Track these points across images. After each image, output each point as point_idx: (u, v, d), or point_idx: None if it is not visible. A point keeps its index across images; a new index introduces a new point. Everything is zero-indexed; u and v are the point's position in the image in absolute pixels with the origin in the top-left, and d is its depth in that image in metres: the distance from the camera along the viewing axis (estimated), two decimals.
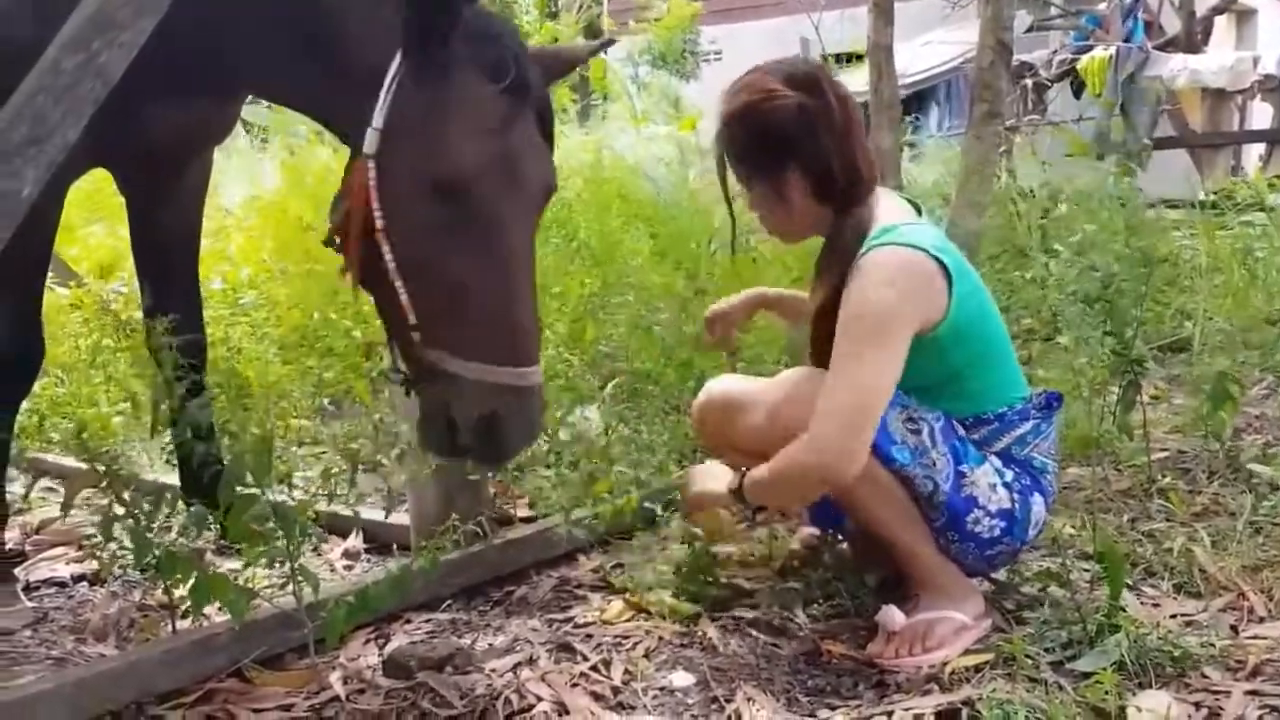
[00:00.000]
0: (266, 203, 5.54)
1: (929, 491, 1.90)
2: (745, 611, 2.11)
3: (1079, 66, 9.85)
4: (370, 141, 1.77)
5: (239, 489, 1.82)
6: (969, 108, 6.57)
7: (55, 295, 4.03)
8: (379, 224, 1.77)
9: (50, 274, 4.15)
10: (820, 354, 1.93)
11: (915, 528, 1.94)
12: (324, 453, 3.22)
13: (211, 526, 2.26)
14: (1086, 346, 3.12)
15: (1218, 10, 12.13)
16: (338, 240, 1.89)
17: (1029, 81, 9.95)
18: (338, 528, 2.58)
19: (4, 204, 1.63)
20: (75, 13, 1.71)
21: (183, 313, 2.33)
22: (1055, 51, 10.47)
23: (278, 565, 1.90)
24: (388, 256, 1.78)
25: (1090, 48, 10.09)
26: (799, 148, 1.91)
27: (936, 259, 1.88)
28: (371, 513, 2.58)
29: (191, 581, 1.80)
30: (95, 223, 5.44)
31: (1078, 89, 10.06)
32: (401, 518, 2.50)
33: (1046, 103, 10.33)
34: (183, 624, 1.95)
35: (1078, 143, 7.33)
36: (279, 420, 3.41)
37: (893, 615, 1.92)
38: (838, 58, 10.23)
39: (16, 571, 2.31)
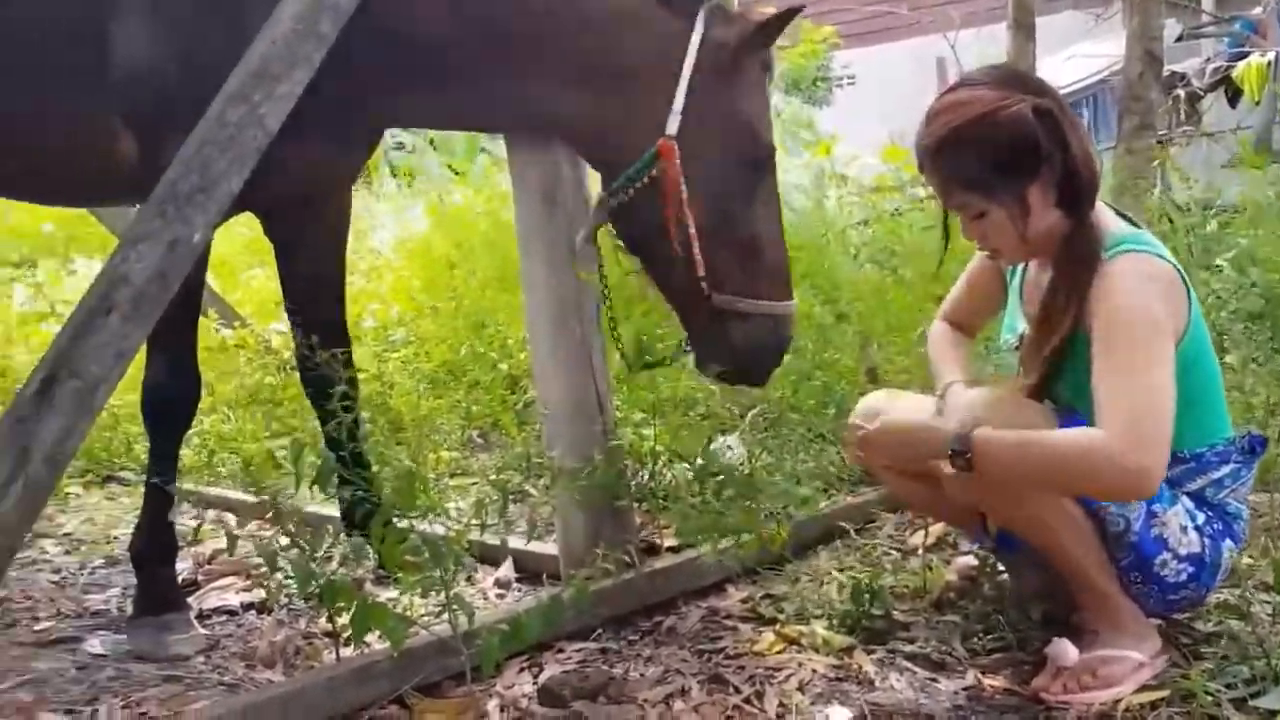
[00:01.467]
0: (414, 243, 5.73)
1: (1119, 530, 1.81)
2: (902, 644, 2.05)
3: (1234, 74, 9.40)
4: (673, 124, 2.06)
5: (393, 520, 1.87)
6: (1117, 122, 6.33)
7: (220, 336, 4.24)
8: (683, 196, 2.06)
9: (216, 316, 4.40)
10: (1036, 365, 1.86)
11: (1100, 564, 1.85)
12: (473, 483, 3.29)
13: (370, 556, 2.35)
14: (1256, 367, 2.95)
15: None
16: (615, 226, 2.22)
17: (1181, 92, 9.54)
18: (488, 557, 2.62)
19: (177, 250, 1.72)
20: (237, 68, 1.81)
21: (329, 348, 2.42)
22: (1208, 60, 10.03)
23: (433, 594, 1.94)
24: (690, 224, 2.07)
25: (1246, 54, 9.63)
26: (1044, 153, 1.78)
27: (1178, 271, 1.81)
28: (521, 542, 2.61)
29: (352, 610, 1.85)
30: (257, 267, 5.72)
31: (1233, 97, 9.60)
32: (549, 547, 2.53)
33: (1200, 113, 9.89)
34: (345, 651, 2.01)
35: (1248, 149, 6.98)
36: (430, 452, 3.50)
37: (1065, 649, 1.84)
38: None
39: (189, 600, 2.42)
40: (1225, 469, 1.88)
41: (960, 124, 1.81)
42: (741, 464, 2.70)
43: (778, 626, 2.15)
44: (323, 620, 2.15)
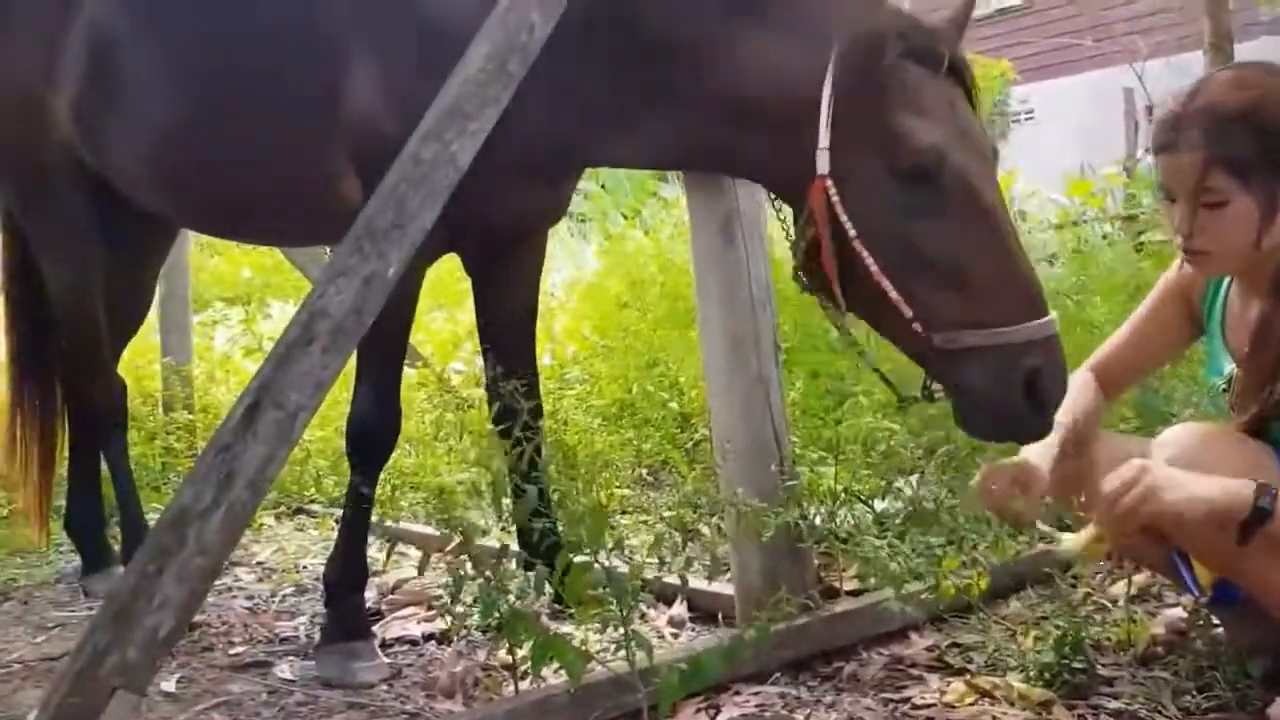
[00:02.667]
0: (587, 284, 5.82)
1: None
2: (1106, 700, 1.92)
3: None
4: (822, 161, 1.89)
5: (576, 554, 1.87)
6: None
7: (405, 374, 4.38)
8: (852, 233, 1.87)
9: None
10: (1251, 403, 1.74)
11: None
12: (643, 521, 3.28)
13: (546, 590, 2.36)
14: None
15: None
16: (807, 278, 2.01)
17: None
18: (662, 595, 2.59)
19: (373, 284, 1.78)
20: (431, 107, 1.87)
21: (525, 383, 2.47)
22: None
23: (610, 630, 1.92)
24: (868, 261, 1.87)
25: None
26: None
27: None
28: (696, 581, 2.58)
29: (532, 642, 1.85)
30: (436, 309, 5.92)
31: None
32: (725, 587, 2.48)
33: None
34: (523, 685, 2.01)
35: None
36: (604, 488, 3.51)
37: None
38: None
39: (374, 629, 2.48)
40: None
41: (1252, 101, 1.70)
42: (926, 504, 2.61)
43: (968, 677, 2.04)
44: (502, 653, 2.16)
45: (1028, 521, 1.80)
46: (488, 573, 1.90)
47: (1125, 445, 1.99)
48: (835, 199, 1.89)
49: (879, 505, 2.64)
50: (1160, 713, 1.86)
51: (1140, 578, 2.36)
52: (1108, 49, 12.61)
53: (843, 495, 2.60)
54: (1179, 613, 2.15)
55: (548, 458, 2.81)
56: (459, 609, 2.03)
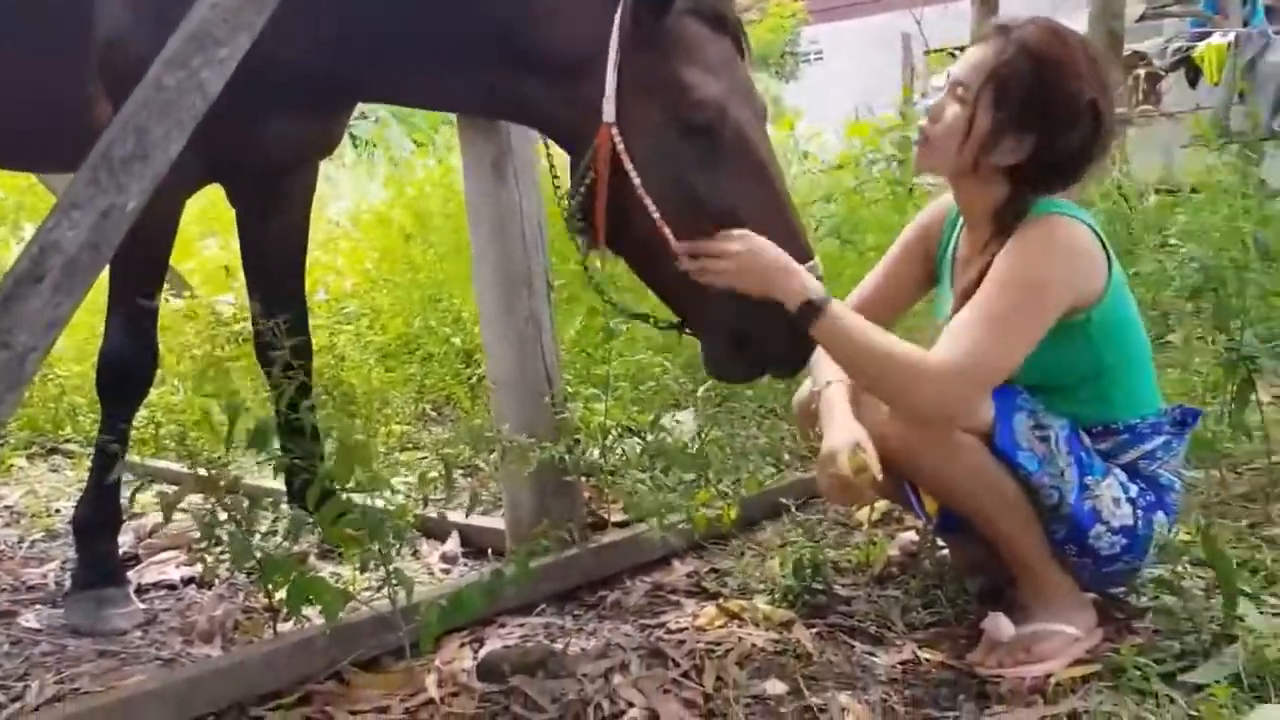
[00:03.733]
0: (371, 215, 5.68)
1: (1054, 503, 1.83)
2: (841, 619, 2.07)
3: (1195, 54, 9.48)
4: (608, 109, 1.89)
5: (331, 493, 1.86)
6: None
7: (170, 306, 4.18)
8: (636, 181, 1.89)
9: (166, 286, 4.33)
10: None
11: (1034, 537, 1.87)
12: (424, 458, 3.27)
13: (316, 531, 2.33)
14: (1199, 344, 2.99)
15: None
16: (581, 222, 2.00)
17: (1141, 72, 9.62)
18: (437, 532, 2.61)
19: (111, 217, 1.69)
20: (176, 32, 1.77)
21: (289, 320, 2.41)
22: (1169, 40, 10.10)
23: (375, 569, 1.93)
24: (651, 208, 1.89)
25: (1207, 34, 9.71)
26: (1056, 131, 1.81)
27: (1099, 238, 1.84)
28: (467, 517, 2.61)
29: (289, 584, 1.84)
30: (209, 237, 5.65)
31: (1193, 78, 9.69)
32: (497, 521, 2.52)
33: (1160, 93, 9.97)
34: (284, 627, 2.00)
35: (1206, 131, 7.04)
36: (381, 425, 3.48)
37: (1001, 624, 1.86)
38: (940, 53, 10.04)
39: (129, 574, 2.39)
40: (1157, 440, 1.91)
41: (1054, 55, 1.80)
42: (692, 439, 2.71)
43: (720, 601, 2.16)
44: (263, 595, 2.13)
45: (857, 491, 1.89)
46: (238, 515, 1.86)
47: None
48: (620, 147, 1.90)
49: (649, 439, 2.72)
50: (889, 628, 2.01)
51: (881, 504, 2.53)
52: None
53: (613, 430, 2.66)
54: (912, 535, 2.33)
55: (318, 395, 2.76)
56: (215, 552, 1.98)
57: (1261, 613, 1.92)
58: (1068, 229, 1.82)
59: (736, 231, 1.83)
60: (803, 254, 1.89)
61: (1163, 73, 9.82)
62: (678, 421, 2.79)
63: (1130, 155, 6.86)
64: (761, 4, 14.71)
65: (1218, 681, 1.63)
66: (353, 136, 8.52)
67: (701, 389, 2.94)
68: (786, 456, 2.99)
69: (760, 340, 1.91)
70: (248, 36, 1.82)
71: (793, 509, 2.47)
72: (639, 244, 1.97)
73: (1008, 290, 1.77)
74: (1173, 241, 4.11)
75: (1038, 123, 1.81)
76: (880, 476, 1.82)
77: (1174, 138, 7.63)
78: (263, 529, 2.08)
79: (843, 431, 1.86)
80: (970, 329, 1.75)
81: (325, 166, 4.14)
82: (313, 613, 1.94)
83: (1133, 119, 8.67)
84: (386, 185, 6.15)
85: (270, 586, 1.93)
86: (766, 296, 1.81)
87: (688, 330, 2.06)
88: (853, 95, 9.10)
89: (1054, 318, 1.78)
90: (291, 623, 1.95)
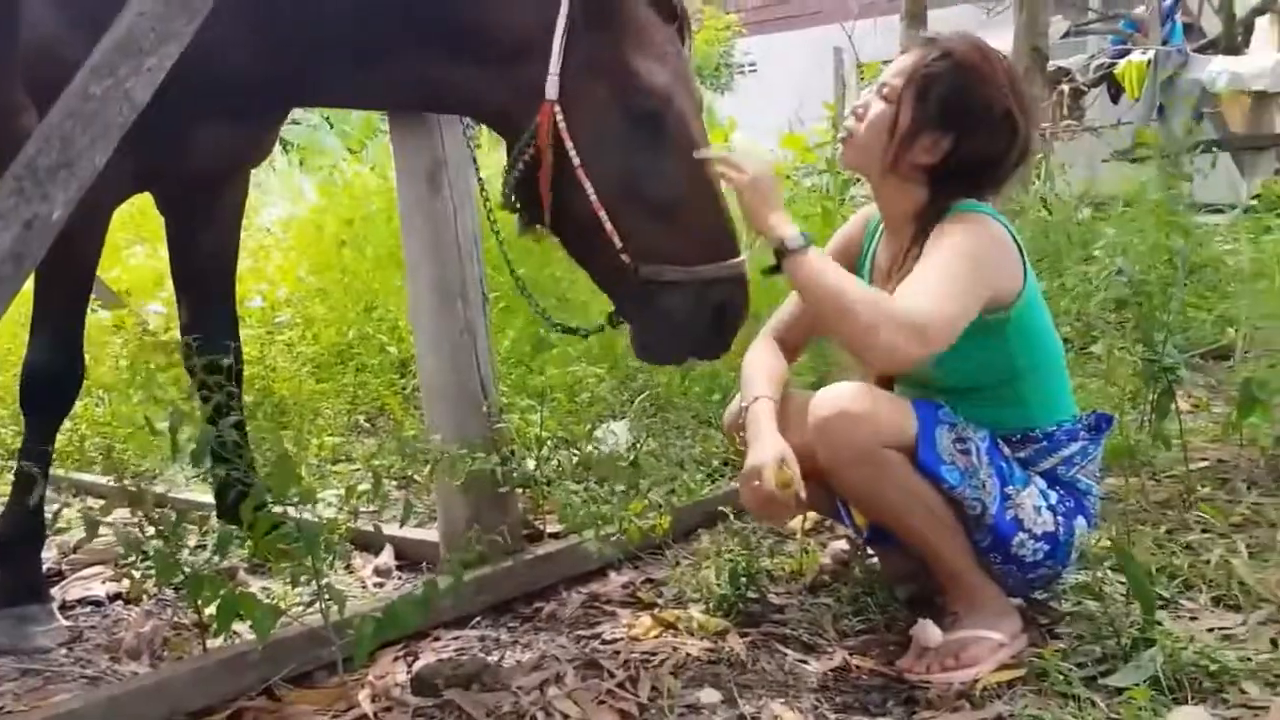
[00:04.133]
0: (303, 221, 5.61)
1: (977, 513, 1.87)
2: (774, 627, 2.09)
3: (1116, 71, 9.75)
4: (551, 87, 1.90)
5: (263, 507, 1.84)
6: None
7: (97, 316, 4.10)
8: (576, 161, 1.90)
9: (93, 296, 4.24)
10: None
11: (959, 547, 1.91)
12: (356, 469, 3.24)
13: (245, 545, 2.30)
14: (1121, 355, 3.07)
15: (1259, 11, 11.94)
16: (519, 201, 2.02)
17: (1066, 87, 9.86)
18: (371, 545, 2.59)
19: (35, 228, 1.66)
20: (102, 40, 1.74)
21: (219, 330, 2.39)
22: (1092, 56, 10.37)
23: (306, 583, 1.91)
24: (589, 190, 1.91)
25: (1128, 52, 9.99)
26: (971, 132, 1.89)
27: (1012, 236, 1.91)
28: (401, 529, 2.59)
29: (218, 600, 1.82)
30: (137, 244, 5.54)
31: (1115, 94, 9.95)
32: (431, 534, 2.51)
33: (1083, 108, 10.23)
34: (215, 643, 1.97)
35: (1143, 143, 7.22)
36: (312, 437, 3.44)
37: (929, 631, 1.90)
38: (870, 66, 10.20)
39: (53, 591, 2.34)
40: (1074, 446, 1.97)
41: (974, 60, 1.90)
42: (627, 449, 2.73)
43: (655, 611, 2.18)
44: (191, 611, 2.10)
45: (783, 508, 1.92)
46: (164, 530, 1.83)
47: (802, 398, 2.14)
48: (562, 125, 1.91)
49: (584, 450, 2.73)
50: (821, 636, 2.04)
51: (815, 514, 2.57)
52: (825, 5, 13.27)
53: (548, 441, 2.67)
54: (843, 544, 2.36)
55: (249, 407, 2.72)
56: (142, 568, 1.95)
57: (1179, 617, 1.99)
58: (989, 223, 1.90)
59: (759, 162, 1.89)
60: (734, 249, 1.96)
61: (1086, 88, 10.08)
62: (612, 432, 2.80)
63: (1061, 168, 7.03)
64: (697, 15, 14.82)
65: (1137, 684, 1.68)
66: (284, 142, 8.41)
67: (636, 400, 2.95)
68: (721, 466, 3.02)
69: (687, 324, 1.96)
70: (176, 45, 1.79)
71: (729, 518, 2.50)
72: (575, 223, 1.99)
73: (949, 262, 1.82)
74: (1096, 254, 4.23)
75: (954, 123, 1.89)
76: (804, 494, 1.87)
77: (1097, 151, 7.83)
78: (191, 544, 2.06)
79: (768, 447, 1.89)
80: (930, 287, 1.78)
81: (256, 172, 4.10)
82: (243, 628, 1.92)
83: (1058, 133, 8.89)
84: (319, 192, 6.09)
85: (199, 602, 1.90)
86: (754, 220, 1.86)
87: (619, 319, 2.09)
88: (785, 107, 9.20)
89: (985, 298, 1.84)
90: (221, 639, 1.93)
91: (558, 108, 1.91)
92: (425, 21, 1.99)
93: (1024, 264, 1.92)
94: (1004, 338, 1.90)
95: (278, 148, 8.01)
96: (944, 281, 1.79)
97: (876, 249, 2.09)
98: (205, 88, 1.82)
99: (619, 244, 1.94)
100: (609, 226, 1.92)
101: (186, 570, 1.85)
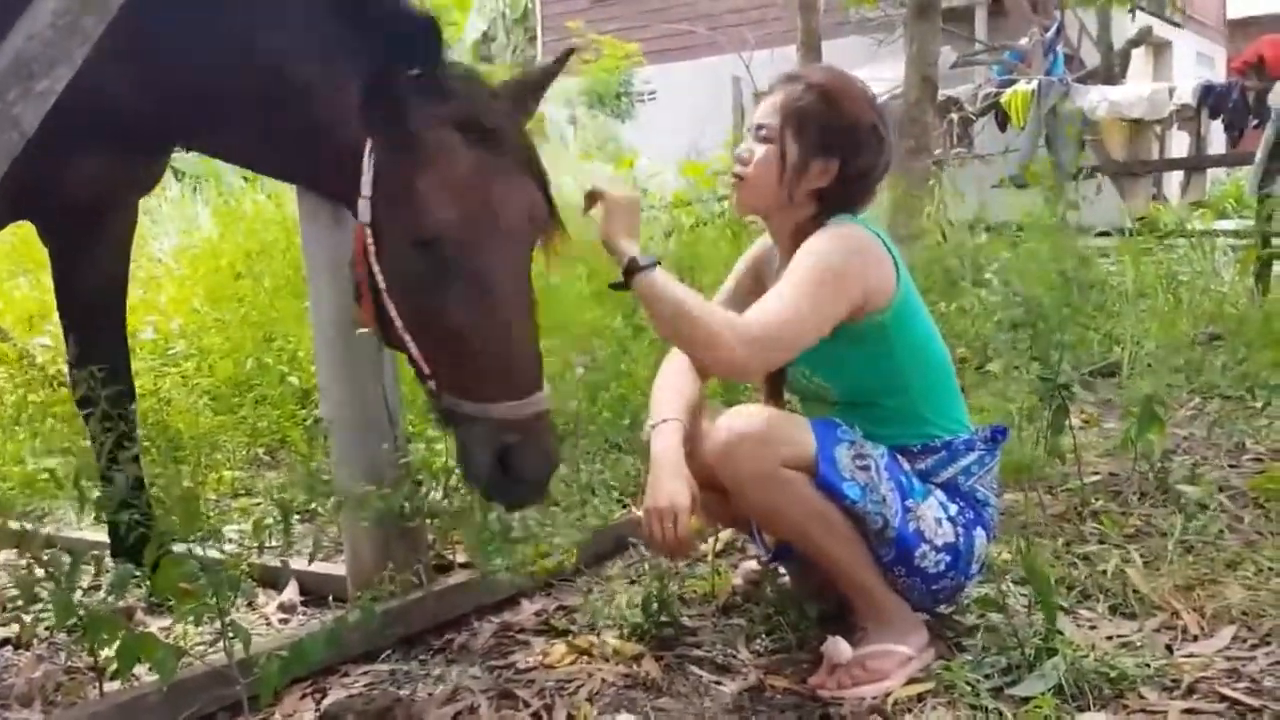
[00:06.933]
0: (198, 251, 5.47)
1: (879, 527, 1.90)
2: (689, 649, 2.09)
3: (1002, 100, 10.10)
4: (363, 210, 1.85)
5: (165, 545, 1.78)
6: (898, 143, 6.70)
7: None
8: (382, 285, 1.85)
9: None
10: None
11: (863, 562, 1.94)
12: (258, 504, 3.16)
13: (144, 585, 2.22)
14: (1017, 374, 3.17)
15: (1135, 43, 12.53)
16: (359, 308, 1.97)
17: (955, 116, 10.18)
18: (274, 580, 2.52)
19: None
20: None
21: (109, 364, 2.31)
22: (980, 86, 10.74)
23: (209, 622, 1.85)
24: (393, 314, 1.86)
25: (1013, 82, 10.37)
26: (852, 150, 1.99)
27: (888, 248, 1.98)
28: (307, 564, 2.53)
29: (117, 642, 1.75)
30: (20, 275, 5.34)
31: (1002, 122, 10.32)
32: (338, 568, 2.46)
33: (972, 136, 10.58)
34: (113, 686, 1.89)
35: (1033, 172, 7.47)
36: (211, 472, 3.34)
37: (839, 647, 1.92)
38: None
39: None
40: (972, 456, 2.03)
41: (839, 83, 2.02)
42: None
43: (569, 638, 2.16)
44: (87, 654, 2.02)
45: (691, 548, 1.95)
46: (58, 571, 1.76)
47: (713, 420, 2.16)
48: (371, 249, 1.85)
49: None
50: (734, 657, 2.05)
51: (726, 534, 2.59)
52: (720, 37, 13.49)
53: (456, 471, 2.63)
54: (754, 564, 2.38)
55: (141, 441, 2.64)
56: (35, 610, 1.86)
57: (1079, 626, 2.06)
58: (854, 230, 1.97)
59: (621, 193, 1.92)
60: (531, 384, 1.85)
61: (974, 117, 10.42)
62: None
63: (958, 194, 7.24)
64: (596, 47, 14.93)
65: (1042, 693, 1.72)
66: (175, 170, 8.19)
67: None
68: (633, 490, 3.02)
69: (477, 463, 1.86)
70: (68, 68, 1.74)
71: (640, 545, 2.49)
72: (394, 344, 1.94)
73: (804, 273, 1.89)
74: (990, 277, 4.36)
75: (837, 147, 1.98)
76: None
77: (986, 178, 8.09)
78: (85, 584, 1.98)
79: (676, 481, 1.91)
80: (772, 303, 1.87)
81: (147, 201, 4.00)
82: (141, 670, 1.85)
83: (947, 161, 9.16)
84: (216, 221, 5.95)
85: (95, 645, 1.83)
86: (608, 240, 1.88)
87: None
88: (686, 134, 9.32)
89: (845, 307, 1.90)
90: (119, 682, 1.86)
91: (368, 231, 1.85)
92: (266, 103, 1.92)
93: (897, 267, 1.99)
94: (887, 341, 1.95)
95: (170, 175, 7.81)
96: (791, 294, 1.87)
97: (775, 267, 2.14)
98: (85, 116, 1.76)
99: (426, 370, 1.88)
100: (414, 352, 1.87)
101: (82, 611, 1.77)
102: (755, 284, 2.20)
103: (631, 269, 1.84)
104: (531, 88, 2.03)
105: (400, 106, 1.78)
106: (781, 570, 2.27)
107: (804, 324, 1.86)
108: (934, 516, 1.95)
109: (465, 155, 1.82)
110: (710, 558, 2.48)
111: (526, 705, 1.89)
